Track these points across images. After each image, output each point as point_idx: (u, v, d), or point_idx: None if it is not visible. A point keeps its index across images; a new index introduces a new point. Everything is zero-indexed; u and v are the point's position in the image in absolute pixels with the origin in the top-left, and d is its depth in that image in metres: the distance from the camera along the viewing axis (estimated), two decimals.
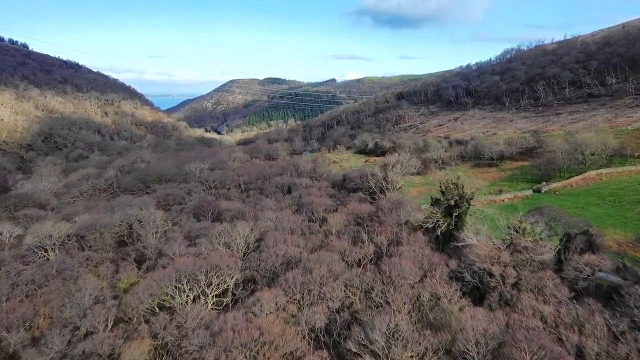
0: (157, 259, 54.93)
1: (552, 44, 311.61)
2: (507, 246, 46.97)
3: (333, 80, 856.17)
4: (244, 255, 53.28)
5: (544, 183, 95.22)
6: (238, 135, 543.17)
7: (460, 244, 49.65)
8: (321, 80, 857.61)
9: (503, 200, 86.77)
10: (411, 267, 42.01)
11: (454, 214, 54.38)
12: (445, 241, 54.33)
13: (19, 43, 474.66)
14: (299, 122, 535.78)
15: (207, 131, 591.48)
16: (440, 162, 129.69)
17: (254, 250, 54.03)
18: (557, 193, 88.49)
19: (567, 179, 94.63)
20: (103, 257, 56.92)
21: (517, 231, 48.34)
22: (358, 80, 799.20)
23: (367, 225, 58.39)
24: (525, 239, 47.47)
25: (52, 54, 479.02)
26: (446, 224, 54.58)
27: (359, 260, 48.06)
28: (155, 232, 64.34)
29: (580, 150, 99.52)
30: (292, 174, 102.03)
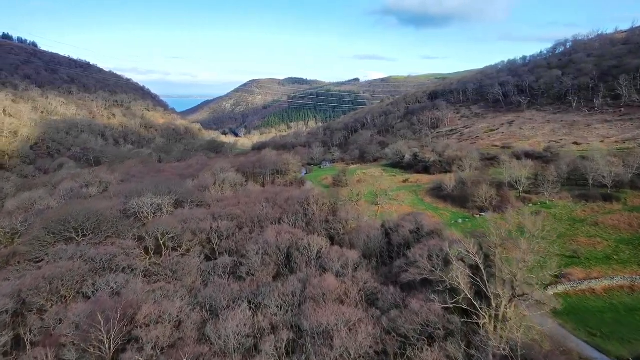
0: None
1: (617, 32, 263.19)
2: None
3: (356, 79, 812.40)
4: None
5: None
6: (255, 138, 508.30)
7: None
8: (344, 80, 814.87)
9: None
10: None
11: None
12: None
13: (28, 42, 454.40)
14: (320, 125, 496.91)
15: (224, 133, 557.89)
16: (521, 189, 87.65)
17: None
18: None
19: None
20: None
21: None
22: (382, 80, 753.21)
23: None
24: None
25: (62, 54, 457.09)
26: None
27: None
28: None
29: None
30: (296, 219, 61.92)
